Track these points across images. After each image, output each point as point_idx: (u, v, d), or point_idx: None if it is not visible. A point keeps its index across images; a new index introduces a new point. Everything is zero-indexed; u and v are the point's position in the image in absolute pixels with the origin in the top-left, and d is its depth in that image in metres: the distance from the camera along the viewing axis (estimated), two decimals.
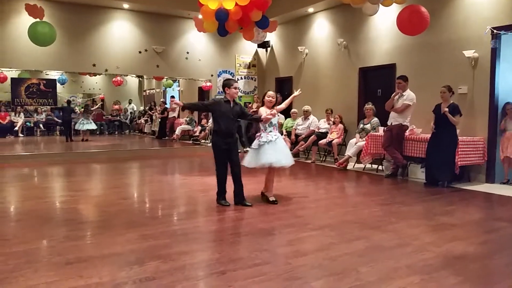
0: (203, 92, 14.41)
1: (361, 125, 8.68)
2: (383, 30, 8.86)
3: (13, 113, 16.24)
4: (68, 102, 14.51)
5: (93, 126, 14.83)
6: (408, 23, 6.18)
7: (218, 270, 3.10)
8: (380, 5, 5.85)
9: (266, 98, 5.53)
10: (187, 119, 14.71)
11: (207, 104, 5.58)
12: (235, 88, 5.31)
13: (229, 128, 5.18)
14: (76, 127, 14.55)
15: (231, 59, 12.38)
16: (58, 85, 17.52)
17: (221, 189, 5.25)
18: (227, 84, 5.28)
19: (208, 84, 12.43)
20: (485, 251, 3.64)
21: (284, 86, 12.14)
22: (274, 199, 5.38)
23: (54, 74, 16.57)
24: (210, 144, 5.77)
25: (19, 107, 16.40)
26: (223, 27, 6.67)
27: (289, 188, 6.61)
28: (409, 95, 7.26)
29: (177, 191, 6.49)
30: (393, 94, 7.43)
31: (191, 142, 13.55)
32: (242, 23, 6.73)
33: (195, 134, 13.73)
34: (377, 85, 9.23)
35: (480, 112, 7.08)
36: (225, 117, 5.16)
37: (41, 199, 5.61)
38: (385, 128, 7.62)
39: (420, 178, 7.14)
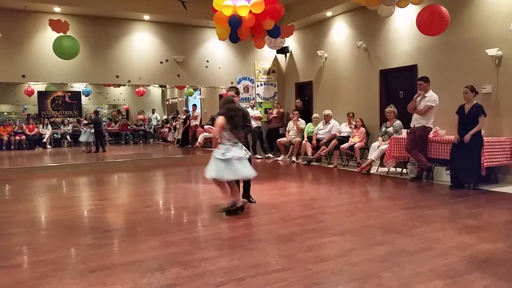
0: None
1: (384, 128, 8.57)
2: (403, 31, 8.76)
3: (41, 125, 16.74)
4: (96, 112, 14.79)
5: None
6: (428, 23, 6.10)
7: (238, 276, 3.11)
8: (396, 6, 5.78)
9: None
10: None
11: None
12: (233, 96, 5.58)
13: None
14: (81, 139, 14.40)
15: (250, 66, 12.44)
16: (83, 96, 18.00)
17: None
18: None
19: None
20: None
21: (304, 91, 12.12)
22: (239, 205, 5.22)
23: (78, 86, 17.07)
24: None
25: (46, 119, 16.91)
26: (235, 33, 6.73)
27: (311, 193, 6.58)
28: (431, 96, 7.14)
29: (199, 198, 6.54)
30: (415, 96, 7.32)
31: (213, 149, 13.63)
32: (254, 31, 6.78)
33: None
34: (398, 87, 9.11)
35: (505, 111, 6.89)
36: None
37: (68, 208, 5.75)
38: (408, 130, 7.50)
39: (446, 181, 6.99)
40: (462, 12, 7.47)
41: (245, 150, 5.13)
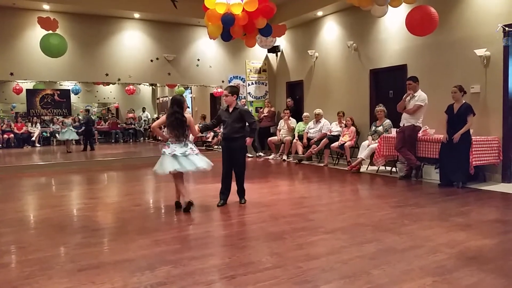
0: (215, 99, 14.48)
1: (373, 127, 8.63)
2: (393, 31, 8.81)
3: (29, 124, 16.55)
4: (87, 111, 14.60)
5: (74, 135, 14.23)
6: (418, 24, 6.14)
7: (228, 274, 3.11)
8: (389, 6, 5.81)
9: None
10: (200, 125, 14.79)
11: (216, 118, 5.89)
12: (224, 95, 5.60)
13: (229, 132, 5.54)
14: (60, 138, 14.20)
15: (241, 64, 12.42)
16: (72, 95, 17.83)
17: (222, 188, 5.61)
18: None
19: (220, 90, 12.50)
20: (500, 252, 3.58)
21: (295, 90, 12.14)
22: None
23: (67, 85, 16.84)
24: None
25: (35, 118, 16.73)
26: (228, 32, 6.71)
27: (301, 192, 6.60)
28: (420, 96, 7.20)
29: (189, 196, 6.51)
30: (404, 95, 7.37)
31: (204, 148, 13.62)
32: (247, 30, 6.76)
33: (208, 140, 13.79)
34: (388, 86, 9.16)
35: (493, 111, 6.97)
36: (225, 123, 5.58)
37: (57, 207, 5.70)
38: (398, 129, 7.55)
39: (435, 179, 7.06)
40: (451, 12, 7.54)
41: (190, 147, 5.26)
